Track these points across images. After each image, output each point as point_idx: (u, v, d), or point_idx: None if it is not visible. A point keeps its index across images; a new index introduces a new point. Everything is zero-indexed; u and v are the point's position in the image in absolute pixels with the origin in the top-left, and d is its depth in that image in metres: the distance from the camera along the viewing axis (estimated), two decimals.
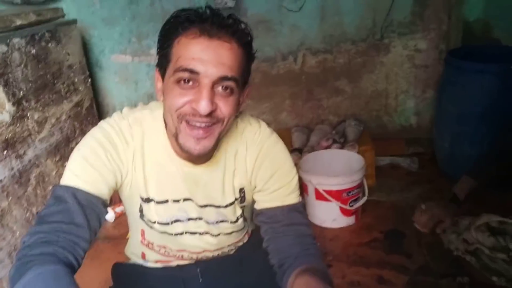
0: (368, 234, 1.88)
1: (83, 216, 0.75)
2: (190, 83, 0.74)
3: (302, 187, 1.92)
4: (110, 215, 2.15)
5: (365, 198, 1.94)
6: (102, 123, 0.84)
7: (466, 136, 2.05)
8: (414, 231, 1.84)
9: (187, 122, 0.76)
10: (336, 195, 1.87)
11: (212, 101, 0.74)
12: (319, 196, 1.90)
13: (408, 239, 1.80)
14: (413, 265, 1.65)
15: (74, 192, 0.76)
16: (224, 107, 0.76)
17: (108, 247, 1.95)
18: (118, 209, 2.18)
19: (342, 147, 2.16)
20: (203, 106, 0.73)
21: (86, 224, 0.75)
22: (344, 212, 1.92)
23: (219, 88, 0.75)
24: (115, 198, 2.24)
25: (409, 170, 2.32)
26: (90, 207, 0.76)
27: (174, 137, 0.80)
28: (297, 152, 2.19)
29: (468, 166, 1.83)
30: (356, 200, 1.93)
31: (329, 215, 1.94)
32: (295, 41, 2.35)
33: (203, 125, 0.76)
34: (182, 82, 0.74)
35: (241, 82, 0.79)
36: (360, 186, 1.93)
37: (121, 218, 2.16)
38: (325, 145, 2.20)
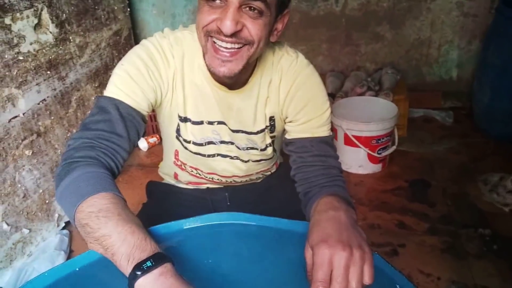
0: (393, 182, 1.89)
1: (124, 127, 0.78)
2: (218, 1, 0.73)
3: (332, 132, 1.93)
4: (144, 145, 2.24)
5: (394, 147, 1.93)
6: (144, 41, 0.85)
7: (507, 91, 1.97)
8: (440, 182, 1.84)
9: (214, 42, 0.76)
10: (365, 141, 1.87)
11: (237, 21, 0.73)
12: (348, 141, 1.91)
13: (433, 189, 1.81)
14: (435, 213, 1.67)
15: (117, 104, 0.79)
16: (252, 28, 0.75)
17: (141, 173, 2.06)
18: (152, 139, 2.26)
19: (376, 95, 2.12)
20: (227, 26, 0.72)
21: (126, 135, 0.78)
22: (372, 159, 1.93)
23: (247, 9, 0.73)
24: (149, 129, 2.32)
25: (443, 124, 2.28)
26: (131, 120, 0.79)
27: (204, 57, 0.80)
28: (329, 97, 2.17)
29: (505, 122, 1.77)
30: (384, 149, 1.92)
31: (356, 161, 1.95)
32: None
33: (229, 46, 0.76)
34: (210, 0, 0.74)
35: (276, 5, 0.76)
36: (390, 134, 1.91)
37: (154, 148, 2.25)
38: (359, 91, 2.16)
